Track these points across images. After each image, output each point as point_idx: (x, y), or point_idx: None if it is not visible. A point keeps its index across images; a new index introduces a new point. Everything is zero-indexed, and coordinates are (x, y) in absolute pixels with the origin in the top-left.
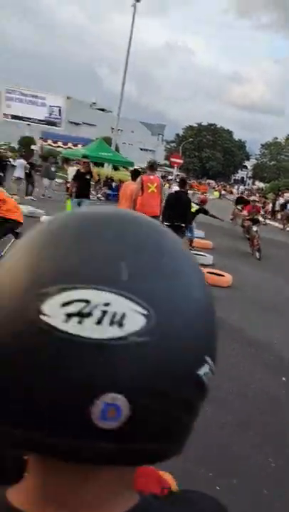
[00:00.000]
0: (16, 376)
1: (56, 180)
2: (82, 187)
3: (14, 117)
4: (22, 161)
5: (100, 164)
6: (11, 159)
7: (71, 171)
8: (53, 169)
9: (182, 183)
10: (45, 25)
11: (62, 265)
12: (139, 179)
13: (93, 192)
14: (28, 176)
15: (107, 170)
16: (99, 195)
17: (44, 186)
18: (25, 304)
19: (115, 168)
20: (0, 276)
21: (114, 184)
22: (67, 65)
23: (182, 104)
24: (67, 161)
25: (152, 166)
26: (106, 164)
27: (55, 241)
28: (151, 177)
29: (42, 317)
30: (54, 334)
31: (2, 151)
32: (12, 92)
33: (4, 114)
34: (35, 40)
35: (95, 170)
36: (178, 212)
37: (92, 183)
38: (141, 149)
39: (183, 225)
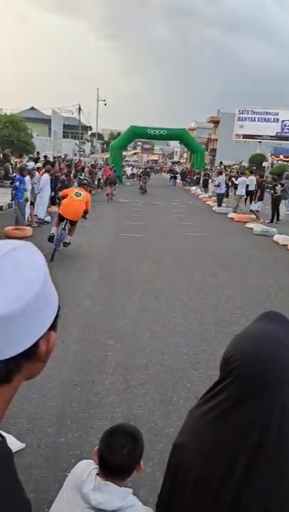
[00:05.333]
0: None
1: None
2: None
3: (246, 137)
4: (244, 179)
5: None
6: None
7: None
8: None
9: None
10: (281, 42)
11: None
12: None
13: None
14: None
15: None
16: None
17: (283, 208)
18: None
19: None
20: None
21: None
22: None
23: None
24: None
25: None
26: None
27: None
28: None
29: None
30: None
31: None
32: (244, 112)
33: (236, 135)
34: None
35: None
36: None
37: None
38: None
39: None
